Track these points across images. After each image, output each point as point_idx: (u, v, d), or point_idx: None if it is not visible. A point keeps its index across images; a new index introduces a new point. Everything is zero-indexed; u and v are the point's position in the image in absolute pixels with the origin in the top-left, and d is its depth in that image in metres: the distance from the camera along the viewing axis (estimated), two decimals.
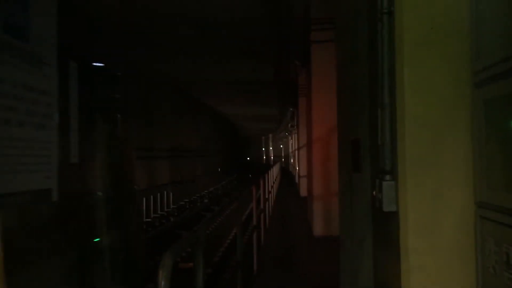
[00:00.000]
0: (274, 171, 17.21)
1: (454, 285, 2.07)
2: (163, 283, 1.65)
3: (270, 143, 55.62)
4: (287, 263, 6.57)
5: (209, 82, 14.91)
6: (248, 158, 51.78)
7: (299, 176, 17.53)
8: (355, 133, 3.36)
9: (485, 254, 1.97)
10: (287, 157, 40.55)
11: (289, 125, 25.70)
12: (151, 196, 15.05)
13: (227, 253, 9.58)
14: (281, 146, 47.42)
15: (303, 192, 15.26)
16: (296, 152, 20.91)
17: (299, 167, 17.81)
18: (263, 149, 60.62)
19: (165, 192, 16.87)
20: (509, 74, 1.75)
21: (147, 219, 14.04)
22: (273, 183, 14.97)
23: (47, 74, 2.39)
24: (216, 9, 7.79)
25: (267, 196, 9.41)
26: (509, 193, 1.80)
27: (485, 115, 1.99)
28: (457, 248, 2.08)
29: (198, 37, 9.32)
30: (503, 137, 1.94)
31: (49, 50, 2.41)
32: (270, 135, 51.66)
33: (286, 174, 32.61)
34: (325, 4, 7.77)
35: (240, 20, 8.34)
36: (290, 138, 30.32)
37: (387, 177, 2.29)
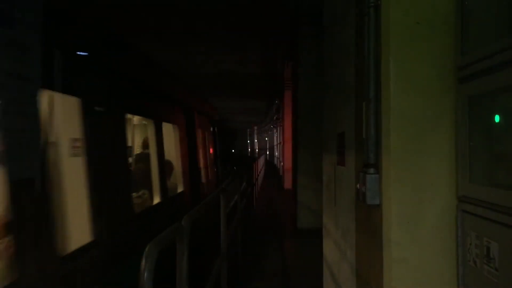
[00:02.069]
0: (259, 163, 17.33)
1: (435, 277, 2.11)
2: (146, 274, 1.63)
3: (255, 136, 55.61)
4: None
5: (196, 74, 14.81)
6: (233, 151, 51.72)
7: (283, 169, 17.61)
8: (340, 127, 3.37)
9: (466, 247, 2.00)
10: (272, 150, 40.61)
11: (274, 117, 25.71)
12: None
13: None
14: (266, 138, 47.46)
15: (287, 184, 15.34)
16: (281, 145, 20.97)
17: (283, 160, 17.88)
18: (248, 141, 60.58)
19: None
20: (493, 70, 1.77)
21: None
22: (258, 175, 15.16)
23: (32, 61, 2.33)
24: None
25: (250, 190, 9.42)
26: (490, 188, 1.83)
27: (468, 110, 2.01)
28: (439, 241, 2.11)
29: (187, 28, 9.25)
30: (485, 133, 1.97)
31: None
32: (255, 128, 51.61)
33: (271, 166, 32.70)
34: None
35: (227, 9, 8.27)
36: (275, 131, 30.34)
37: (371, 170, 2.31)
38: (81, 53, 2.98)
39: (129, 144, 4.17)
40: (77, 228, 2.69)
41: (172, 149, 5.62)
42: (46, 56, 2.46)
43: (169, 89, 5.53)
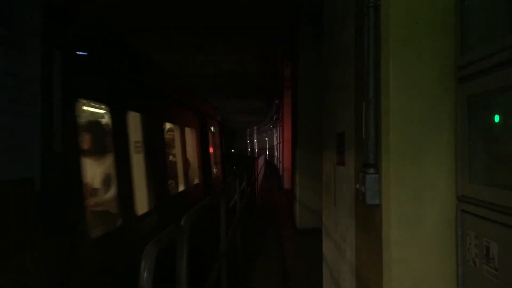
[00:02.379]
0: (259, 163, 17.46)
1: (435, 277, 2.11)
2: (145, 274, 1.63)
3: (255, 135, 55.58)
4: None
5: (196, 74, 14.80)
6: (232, 150, 51.71)
7: (283, 169, 17.60)
8: (340, 127, 3.37)
9: (465, 247, 2.00)
10: (271, 149, 40.63)
11: (274, 117, 25.70)
12: None
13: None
14: (266, 138, 47.45)
15: (287, 184, 15.33)
16: (280, 145, 20.96)
17: (283, 160, 17.86)
18: (248, 141, 60.56)
19: None
20: (492, 70, 1.77)
21: None
22: (257, 175, 15.32)
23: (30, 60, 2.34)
24: None
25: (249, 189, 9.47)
26: (490, 188, 1.83)
27: (468, 110, 2.01)
28: (438, 241, 2.11)
29: (187, 28, 9.25)
30: (485, 133, 1.97)
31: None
32: (255, 127, 51.59)
33: (271, 166, 32.69)
34: None
35: (226, 9, 8.27)
36: (274, 130, 30.34)
37: (371, 170, 2.31)
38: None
39: (165, 144, 5.43)
40: (141, 201, 3.93)
41: (190, 149, 7.04)
42: (128, 92, 3.89)
43: (189, 100, 7.13)
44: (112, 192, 3.68)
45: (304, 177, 8.59)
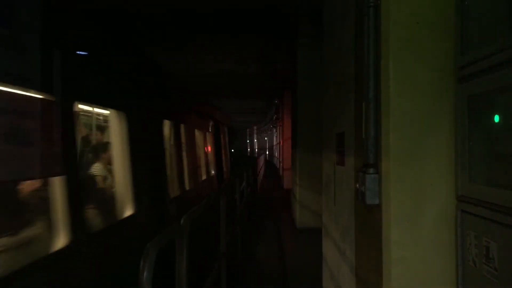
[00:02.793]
0: (259, 163, 17.65)
1: (434, 277, 2.11)
2: (145, 274, 1.63)
3: (255, 135, 55.54)
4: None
5: (195, 73, 14.79)
6: (232, 150, 51.74)
7: (283, 169, 17.60)
8: (340, 127, 3.37)
9: (465, 247, 2.00)
10: (271, 149, 40.62)
11: (274, 117, 25.69)
12: None
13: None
14: (266, 138, 47.44)
15: (287, 184, 15.31)
16: (280, 145, 20.96)
17: (283, 160, 17.85)
18: (247, 141, 60.49)
19: None
20: (493, 70, 1.78)
21: None
22: (257, 174, 15.77)
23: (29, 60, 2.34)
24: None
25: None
26: (489, 188, 1.83)
27: (468, 110, 2.01)
28: (438, 241, 2.11)
29: (187, 28, 9.25)
30: (485, 133, 1.97)
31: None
32: (255, 127, 51.55)
33: (270, 166, 32.68)
34: None
35: (226, 9, 8.27)
36: (274, 130, 30.32)
37: (371, 170, 2.31)
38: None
39: (195, 145, 7.56)
40: (187, 182, 6.29)
41: (208, 148, 9.46)
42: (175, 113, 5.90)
43: (209, 111, 9.77)
44: (180, 175, 5.94)
45: (304, 177, 8.59)
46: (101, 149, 3.70)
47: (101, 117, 3.68)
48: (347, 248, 3.06)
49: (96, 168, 3.56)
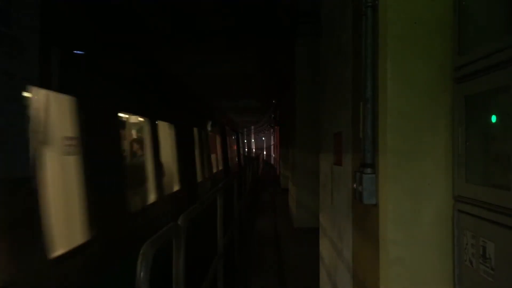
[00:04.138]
0: (256, 165, 18.31)
1: (431, 277, 2.11)
2: (142, 273, 1.63)
3: (252, 135, 55.51)
4: None
5: (194, 73, 14.79)
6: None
7: (279, 167, 17.69)
8: (337, 126, 3.37)
9: (462, 247, 2.00)
10: (268, 149, 40.62)
11: (272, 117, 25.69)
12: None
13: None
14: (263, 138, 47.45)
15: (284, 184, 15.35)
16: (278, 145, 21.01)
17: (280, 160, 17.90)
18: (245, 141, 60.47)
19: None
20: (490, 70, 1.78)
21: None
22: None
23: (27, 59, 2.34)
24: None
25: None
26: (486, 188, 1.83)
27: (465, 110, 2.01)
28: (435, 240, 2.11)
29: (186, 28, 9.25)
30: (482, 133, 1.97)
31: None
32: (252, 127, 51.53)
33: (267, 166, 32.71)
34: None
35: (225, 9, 8.27)
36: (272, 130, 30.33)
37: (368, 170, 2.31)
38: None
39: (211, 146, 10.20)
40: (206, 172, 8.83)
41: (219, 148, 12.51)
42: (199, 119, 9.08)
43: (234, 125, 15.35)
44: (203, 167, 8.36)
45: (301, 177, 8.60)
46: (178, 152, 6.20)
47: (187, 136, 7.23)
48: (344, 247, 3.06)
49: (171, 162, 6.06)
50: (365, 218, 2.49)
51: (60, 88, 2.70)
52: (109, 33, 3.98)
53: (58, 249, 2.51)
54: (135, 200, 4.20)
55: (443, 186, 2.12)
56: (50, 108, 2.76)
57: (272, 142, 32.45)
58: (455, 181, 2.08)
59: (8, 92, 2.21)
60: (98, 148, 3.22)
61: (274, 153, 27.56)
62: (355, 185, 2.48)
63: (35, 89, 2.46)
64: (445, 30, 2.12)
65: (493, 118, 1.87)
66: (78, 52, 2.99)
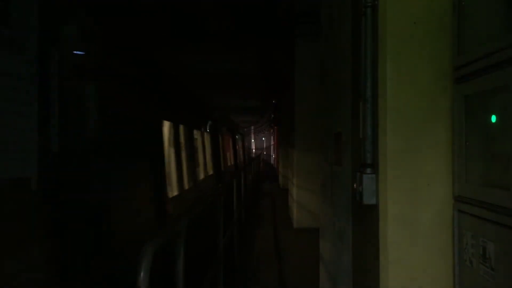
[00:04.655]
0: (255, 164, 18.83)
1: (431, 278, 2.11)
2: (142, 274, 1.63)
3: (252, 135, 55.47)
4: None
5: (194, 73, 14.80)
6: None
7: (277, 167, 17.76)
8: (337, 126, 3.37)
9: (462, 247, 2.00)
10: (268, 149, 40.65)
11: (272, 117, 25.70)
12: None
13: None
14: (263, 138, 47.44)
15: (284, 184, 15.36)
16: (277, 145, 21.07)
17: (280, 161, 17.96)
18: (245, 142, 60.39)
19: None
20: (490, 70, 1.78)
21: None
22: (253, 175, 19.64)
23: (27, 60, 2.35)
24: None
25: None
26: (486, 188, 1.83)
27: (465, 110, 2.01)
28: (435, 241, 2.11)
29: (186, 27, 9.25)
30: (482, 133, 1.97)
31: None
32: (252, 127, 51.50)
33: (267, 166, 32.72)
34: None
35: (225, 9, 8.27)
36: (272, 130, 30.33)
37: (368, 170, 2.31)
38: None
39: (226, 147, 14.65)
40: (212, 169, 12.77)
41: (226, 149, 15.94)
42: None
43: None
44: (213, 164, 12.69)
45: (301, 177, 8.60)
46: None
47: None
48: (344, 248, 3.06)
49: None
50: (365, 218, 2.49)
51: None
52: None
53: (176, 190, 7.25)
54: (199, 174, 9.96)
55: (443, 186, 2.12)
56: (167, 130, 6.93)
57: (272, 142, 32.51)
58: (455, 181, 2.07)
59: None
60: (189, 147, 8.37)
61: (273, 153, 29.38)
62: (355, 185, 2.48)
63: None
64: (444, 30, 2.12)
65: (493, 118, 1.87)
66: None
